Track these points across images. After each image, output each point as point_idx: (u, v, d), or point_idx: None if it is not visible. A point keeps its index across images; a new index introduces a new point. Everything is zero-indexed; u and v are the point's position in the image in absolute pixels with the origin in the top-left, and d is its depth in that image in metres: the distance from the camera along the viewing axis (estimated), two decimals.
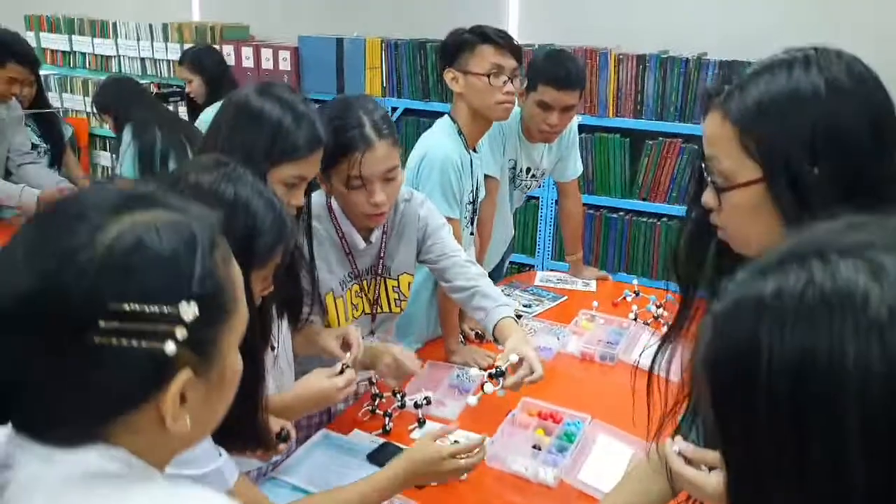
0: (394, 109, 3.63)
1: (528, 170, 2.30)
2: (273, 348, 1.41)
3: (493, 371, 1.50)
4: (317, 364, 1.55)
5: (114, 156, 4.70)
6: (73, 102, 4.73)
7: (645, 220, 3.31)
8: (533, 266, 3.57)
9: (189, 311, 0.59)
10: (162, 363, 0.59)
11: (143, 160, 2.84)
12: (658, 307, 2.25)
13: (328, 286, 1.64)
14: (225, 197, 1.05)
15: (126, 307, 0.57)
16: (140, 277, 0.58)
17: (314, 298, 1.55)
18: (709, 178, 0.93)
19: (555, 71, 2.04)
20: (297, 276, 1.49)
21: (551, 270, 3.48)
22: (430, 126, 3.52)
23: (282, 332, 1.46)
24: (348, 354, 1.46)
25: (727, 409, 0.50)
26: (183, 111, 3.78)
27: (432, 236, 1.76)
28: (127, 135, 2.90)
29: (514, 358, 1.50)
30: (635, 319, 2.16)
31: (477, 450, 1.34)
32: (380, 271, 1.73)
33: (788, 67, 0.87)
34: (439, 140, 1.86)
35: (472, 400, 1.53)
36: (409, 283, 1.78)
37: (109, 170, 4.75)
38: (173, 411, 0.61)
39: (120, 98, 3.00)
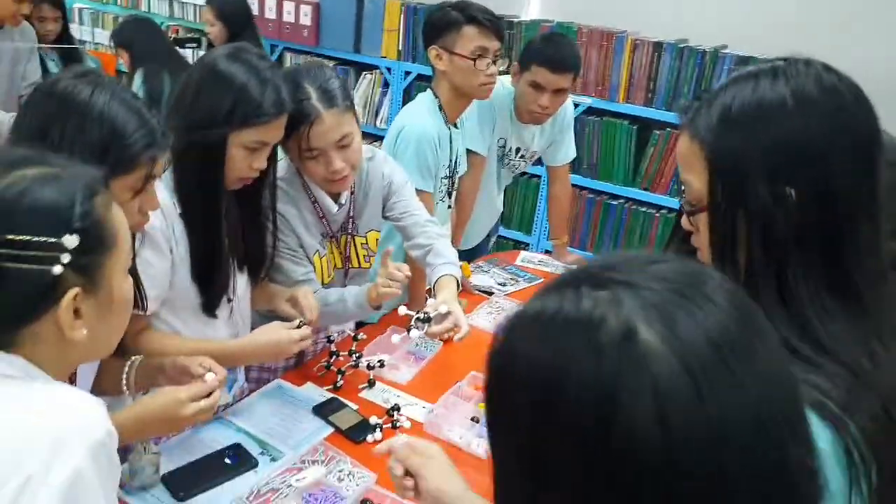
0: (407, 73, 3.65)
1: (518, 150, 2.32)
2: (230, 300, 1.48)
3: (422, 316, 1.58)
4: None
5: None
6: (102, 37, 4.82)
7: (644, 210, 3.31)
8: (528, 244, 3.60)
9: (71, 240, 0.76)
10: (53, 282, 0.76)
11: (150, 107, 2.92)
12: None
13: (313, 248, 1.71)
14: (77, 100, 1.05)
15: (18, 238, 0.74)
16: (28, 216, 0.75)
17: (273, 257, 1.61)
18: (682, 201, 0.91)
19: (550, 53, 2.05)
20: (263, 235, 1.55)
21: (546, 252, 3.54)
22: None
23: (240, 286, 1.53)
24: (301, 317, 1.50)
25: (490, 408, 0.55)
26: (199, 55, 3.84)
27: (396, 193, 1.80)
28: (138, 79, 2.98)
29: (442, 308, 1.58)
30: None
31: (214, 392, 1.22)
32: (350, 230, 1.78)
33: (755, 79, 0.83)
34: (418, 114, 1.90)
35: (396, 338, 1.64)
36: (376, 239, 1.84)
37: None
38: (68, 321, 0.78)
39: (136, 37, 3.07)
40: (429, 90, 1.95)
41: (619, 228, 3.39)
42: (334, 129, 1.52)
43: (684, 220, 0.93)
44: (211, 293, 1.43)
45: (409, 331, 1.60)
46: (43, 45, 3.11)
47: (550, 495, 0.49)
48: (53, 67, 3.19)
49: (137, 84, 2.98)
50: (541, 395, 0.49)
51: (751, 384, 0.46)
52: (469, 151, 2.09)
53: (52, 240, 0.75)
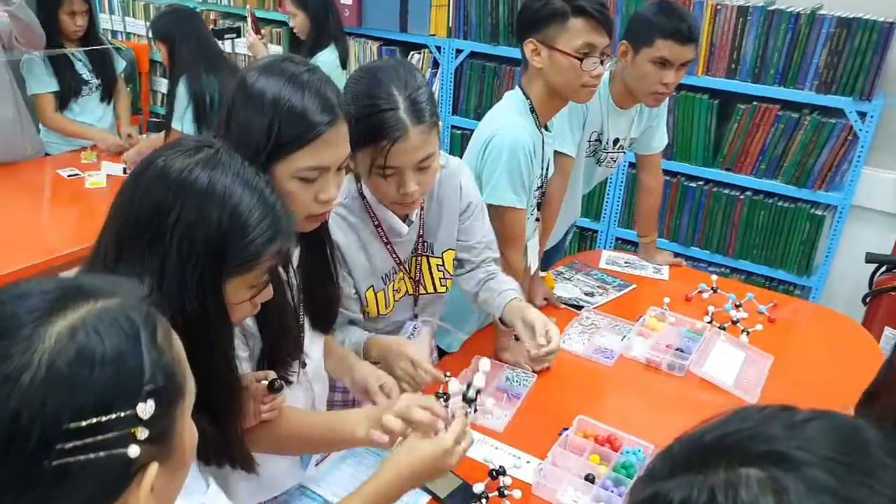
0: (459, 52, 3.38)
1: (616, 141, 2.05)
2: (304, 364, 1.27)
3: (472, 393, 1.20)
4: None
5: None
6: (134, 27, 4.61)
7: (727, 192, 3.01)
8: (597, 232, 3.34)
9: (146, 409, 0.56)
10: (127, 466, 0.56)
11: (198, 115, 2.73)
12: (737, 307, 2.02)
13: (369, 282, 1.48)
14: (196, 185, 0.87)
15: (83, 423, 0.53)
16: (91, 388, 0.54)
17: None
18: None
19: (676, 24, 1.79)
20: (331, 277, 1.30)
21: (618, 241, 3.27)
22: (496, 73, 3.34)
23: (311, 342, 1.30)
24: (383, 398, 1.30)
25: None
26: (277, 50, 3.67)
27: (473, 214, 1.57)
28: (182, 89, 2.76)
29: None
30: (710, 322, 1.94)
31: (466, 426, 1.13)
32: (422, 249, 1.54)
33: None
34: (510, 119, 1.62)
35: (485, 364, 1.26)
36: (453, 259, 1.60)
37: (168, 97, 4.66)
38: (145, 502, 0.58)
39: (176, 31, 2.83)
40: (517, 88, 1.68)
41: (699, 213, 3.10)
42: (418, 149, 1.27)
43: None
44: (277, 370, 1.17)
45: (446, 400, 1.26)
46: (71, 49, 2.92)
47: None
48: (82, 68, 2.99)
49: (183, 99, 2.76)
50: None
51: None
52: (556, 153, 1.82)
53: (126, 413, 0.54)
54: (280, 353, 1.16)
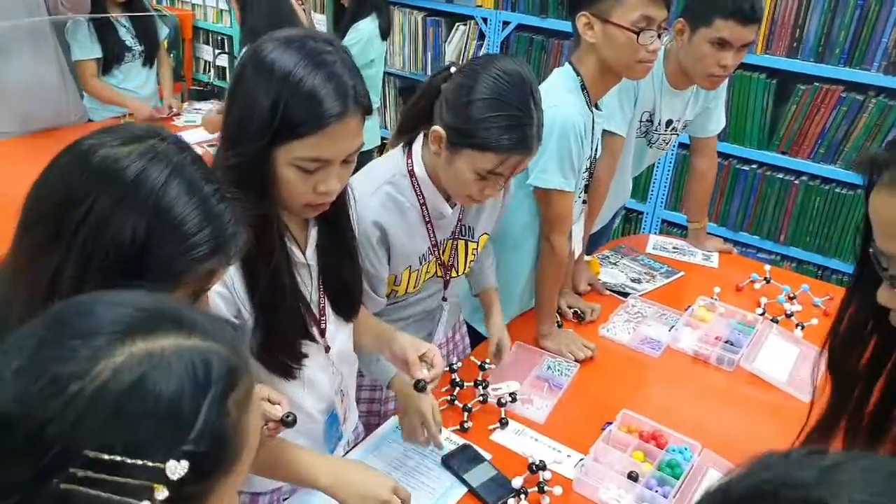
0: (506, 24, 3.29)
1: (669, 122, 1.95)
2: (328, 348, 1.22)
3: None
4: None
5: (216, 51, 4.59)
6: None
7: (781, 176, 2.88)
8: (642, 213, 3.24)
9: (176, 469, 0.50)
10: None
11: None
12: (791, 299, 1.93)
13: (407, 262, 1.42)
14: (119, 177, 0.72)
15: (104, 456, 0.48)
16: (130, 424, 0.49)
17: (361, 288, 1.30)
18: (888, 280, 0.78)
19: (738, 2, 1.67)
20: (353, 261, 1.23)
21: (665, 223, 3.17)
22: (543, 46, 3.23)
23: (335, 327, 1.24)
24: (424, 370, 1.23)
25: None
26: (320, 18, 3.59)
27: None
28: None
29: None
30: (763, 314, 1.86)
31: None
32: (460, 233, 1.50)
33: None
34: (560, 97, 1.53)
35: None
36: (485, 242, 1.58)
37: (210, 65, 4.65)
38: None
39: None
40: (567, 65, 1.59)
41: (750, 197, 2.98)
42: (527, 162, 1.33)
43: (885, 296, 0.79)
44: (274, 356, 1.11)
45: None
46: (115, 15, 2.89)
47: None
48: (125, 34, 2.97)
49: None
50: None
51: None
52: (605, 132, 1.74)
53: (152, 464, 0.49)
54: (274, 337, 1.09)
